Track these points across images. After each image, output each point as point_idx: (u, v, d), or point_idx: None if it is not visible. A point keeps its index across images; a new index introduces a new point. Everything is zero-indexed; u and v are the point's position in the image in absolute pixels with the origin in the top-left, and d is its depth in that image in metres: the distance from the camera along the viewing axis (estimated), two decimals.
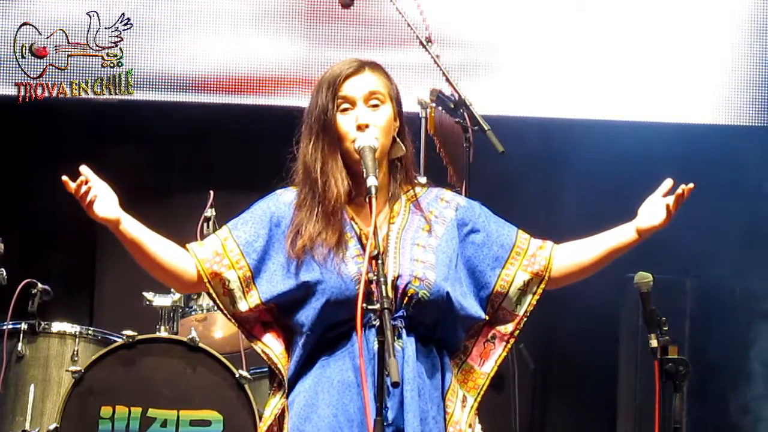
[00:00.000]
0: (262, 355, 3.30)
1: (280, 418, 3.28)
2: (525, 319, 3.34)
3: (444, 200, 3.37)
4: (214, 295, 3.29)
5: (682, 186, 3.28)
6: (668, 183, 3.32)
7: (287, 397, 3.27)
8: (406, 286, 3.20)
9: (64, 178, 3.20)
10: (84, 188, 3.18)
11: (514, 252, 3.33)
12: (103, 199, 3.20)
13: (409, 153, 3.35)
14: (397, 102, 3.34)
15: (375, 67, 3.36)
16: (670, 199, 3.28)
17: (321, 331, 3.23)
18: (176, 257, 3.29)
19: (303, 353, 3.25)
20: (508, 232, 3.36)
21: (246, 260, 3.27)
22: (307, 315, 3.23)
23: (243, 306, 3.28)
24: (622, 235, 3.33)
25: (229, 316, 3.31)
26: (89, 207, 3.19)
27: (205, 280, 3.28)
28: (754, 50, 6.45)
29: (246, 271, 3.27)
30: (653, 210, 3.30)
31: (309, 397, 3.22)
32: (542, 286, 3.33)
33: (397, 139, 3.32)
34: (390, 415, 3.13)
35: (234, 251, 3.28)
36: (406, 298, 3.20)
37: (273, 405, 3.30)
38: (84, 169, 3.21)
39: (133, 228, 3.24)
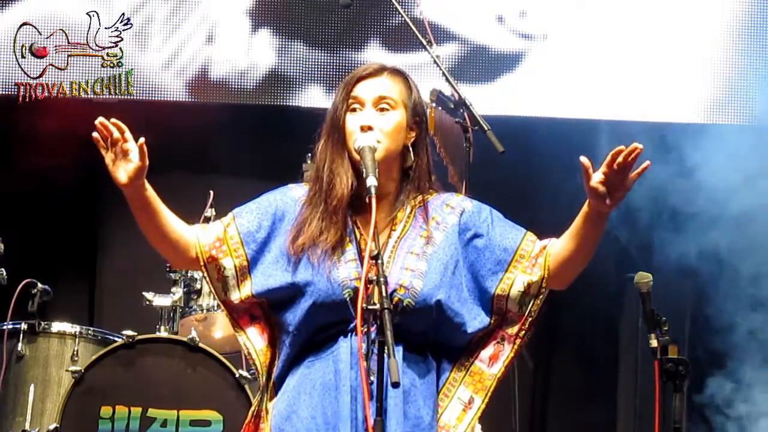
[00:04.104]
0: (243, 347, 3.32)
1: (258, 416, 3.30)
2: (530, 319, 3.31)
3: (449, 206, 3.36)
4: (207, 279, 3.30)
5: (635, 144, 3.11)
6: (585, 162, 3.13)
7: (276, 393, 3.28)
8: (392, 294, 3.18)
9: (101, 119, 3.15)
10: (117, 138, 3.13)
11: (518, 255, 3.30)
12: (131, 163, 3.15)
13: (422, 163, 3.34)
14: (413, 111, 3.32)
15: (395, 73, 3.35)
16: (621, 173, 3.10)
17: (308, 333, 3.24)
18: (182, 232, 3.28)
19: (290, 353, 3.27)
20: (514, 236, 3.32)
21: (244, 249, 3.28)
22: (294, 315, 3.24)
23: (235, 296, 3.29)
24: (589, 218, 3.19)
25: (219, 302, 3.32)
26: (117, 162, 3.14)
27: (201, 263, 3.29)
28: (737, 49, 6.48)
29: (243, 260, 3.28)
30: (612, 185, 3.12)
31: (291, 398, 3.24)
32: (544, 285, 3.30)
33: (409, 148, 3.32)
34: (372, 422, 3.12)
35: (234, 239, 3.28)
36: (392, 306, 3.18)
37: (253, 402, 3.35)
38: (120, 123, 3.16)
39: (148, 197, 3.20)
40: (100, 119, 3.16)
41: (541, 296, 3.31)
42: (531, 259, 3.30)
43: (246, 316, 3.32)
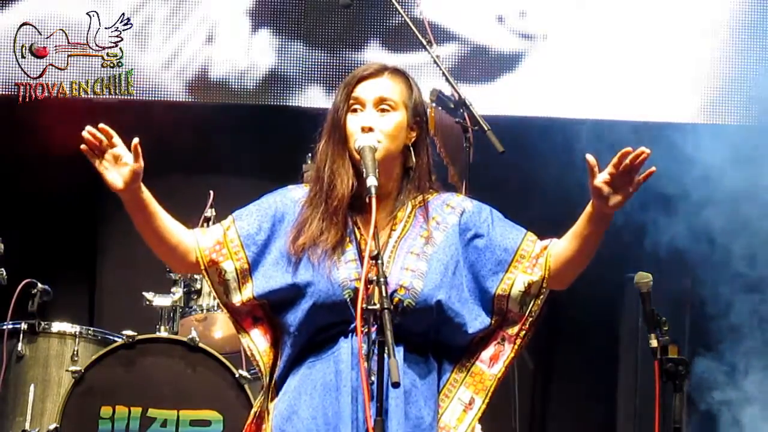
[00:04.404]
0: (247, 349, 3.33)
1: (260, 417, 3.31)
2: (530, 319, 3.30)
3: (449, 206, 3.35)
4: (209, 282, 3.31)
5: (643, 149, 3.11)
6: (591, 160, 3.13)
7: (277, 394, 3.28)
8: (392, 294, 3.18)
9: (89, 128, 3.15)
10: (105, 144, 3.14)
11: (518, 255, 3.30)
12: (126, 167, 3.16)
13: (422, 163, 3.33)
14: (414, 111, 3.32)
15: (396, 73, 3.35)
16: (626, 175, 3.11)
17: (309, 333, 3.24)
18: (181, 237, 3.29)
19: (291, 353, 3.27)
20: (515, 236, 3.32)
21: (245, 252, 3.28)
22: (295, 316, 3.24)
23: (236, 298, 3.29)
24: (589, 218, 3.20)
25: (221, 305, 3.33)
26: (110, 168, 3.16)
27: (202, 267, 3.29)
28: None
29: (244, 263, 3.28)
30: (616, 186, 3.13)
31: (292, 398, 3.24)
32: (544, 285, 3.29)
33: (410, 149, 3.32)
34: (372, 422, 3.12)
35: (234, 242, 3.29)
36: (392, 307, 3.17)
37: (255, 403, 3.36)
38: (107, 128, 3.17)
39: (145, 200, 3.21)
40: (88, 128, 3.16)
41: (541, 296, 3.30)
42: (531, 259, 3.30)
43: (249, 317, 3.33)
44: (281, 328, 3.30)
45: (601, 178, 3.14)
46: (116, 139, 3.16)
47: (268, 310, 3.31)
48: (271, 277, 3.26)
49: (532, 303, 3.30)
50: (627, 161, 3.12)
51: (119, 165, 3.16)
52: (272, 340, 3.31)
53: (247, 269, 3.28)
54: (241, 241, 3.28)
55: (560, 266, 3.28)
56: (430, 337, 3.27)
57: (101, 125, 3.16)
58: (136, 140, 3.17)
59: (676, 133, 6.11)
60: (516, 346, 3.32)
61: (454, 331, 3.27)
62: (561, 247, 3.28)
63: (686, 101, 6.46)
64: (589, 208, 3.21)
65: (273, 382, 3.30)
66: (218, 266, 3.28)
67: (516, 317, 3.32)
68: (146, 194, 3.21)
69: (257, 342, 3.31)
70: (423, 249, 3.26)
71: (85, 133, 3.15)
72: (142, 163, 3.16)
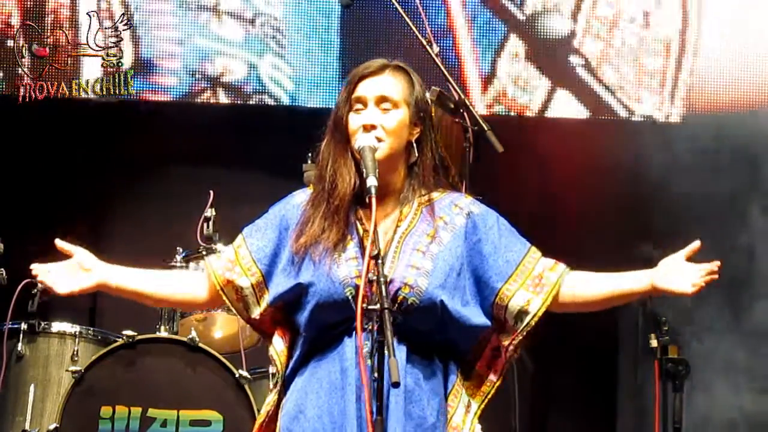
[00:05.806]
0: (269, 352, 3.35)
1: (275, 416, 3.31)
2: (520, 337, 3.30)
3: (457, 207, 3.35)
4: (228, 302, 3.34)
5: (716, 264, 3.18)
6: (696, 245, 3.22)
7: (286, 393, 3.29)
8: (396, 291, 3.19)
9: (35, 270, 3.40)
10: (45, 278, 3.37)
11: (519, 270, 3.29)
12: (68, 277, 3.42)
13: (426, 159, 3.34)
14: (415, 107, 3.33)
15: (398, 70, 3.36)
16: (697, 272, 3.19)
17: (315, 332, 3.26)
18: (177, 286, 3.40)
19: (300, 353, 3.29)
20: (518, 249, 3.32)
21: (258, 266, 3.31)
22: (302, 316, 3.26)
23: (256, 312, 3.32)
24: (637, 282, 3.25)
25: (244, 321, 3.37)
26: (59, 290, 3.39)
27: (218, 287, 3.32)
28: None
29: (258, 276, 3.30)
30: (678, 275, 3.20)
31: (299, 397, 3.25)
32: (542, 308, 3.28)
33: (413, 145, 3.32)
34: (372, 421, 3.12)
35: (246, 258, 3.31)
36: (396, 304, 3.18)
37: (267, 402, 3.35)
38: (34, 267, 3.39)
39: (121, 282, 3.46)
40: (34, 271, 3.40)
41: (537, 317, 3.29)
42: (534, 277, 3.30)
43: (270, 322, 3.35)
44: (295, 329, 3.32)
45: (679, 262, 3.20)
46: (45, 271, 3.42)
47: (284, 311, 3.33)
48: (280, 283, 3.29)
49: (526, 323, 3.30)
50: (706, 270, 3.17)
51: (69, 275, 3.44)
52: (289, 341, 3.33)
53: (263, 281, 3.31)
54: (253, 257, 3.31)
55: (570, 301, 3.30)
56: (435, 338, 3.27)
57: (32, 268, 3.41)
58: (57, 241, 3.40)
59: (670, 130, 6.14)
60: (508, 354, 3.33)
61: (459, 331, 3.27)
62: (580, 287, 3.30)
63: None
64: (640, 274, 3.24)
65: (283, 381, 3.31)
66: (234, 284, 3.31)
67: (510, 329, 3.32)
68: (119, 272, 3.46)
69: (276, 343, 3.34)
70: (428, 247, 3.26)
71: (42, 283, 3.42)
72: (77, 252, 3.44)
